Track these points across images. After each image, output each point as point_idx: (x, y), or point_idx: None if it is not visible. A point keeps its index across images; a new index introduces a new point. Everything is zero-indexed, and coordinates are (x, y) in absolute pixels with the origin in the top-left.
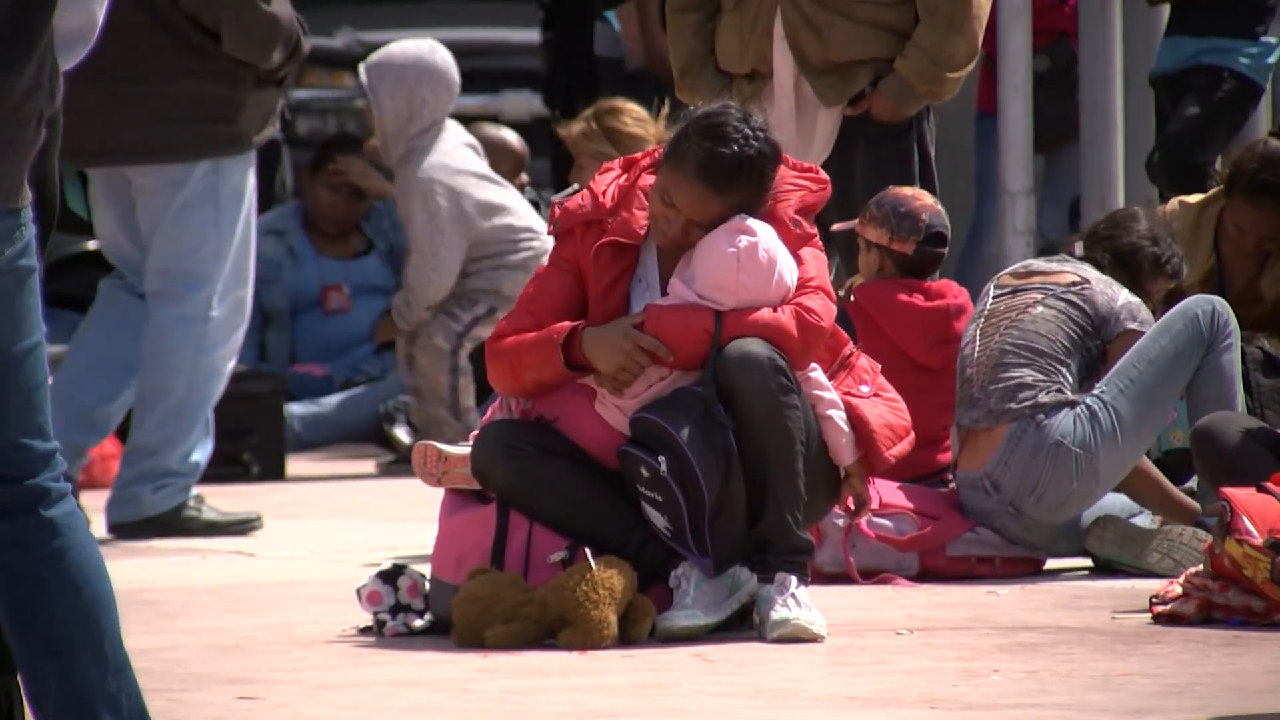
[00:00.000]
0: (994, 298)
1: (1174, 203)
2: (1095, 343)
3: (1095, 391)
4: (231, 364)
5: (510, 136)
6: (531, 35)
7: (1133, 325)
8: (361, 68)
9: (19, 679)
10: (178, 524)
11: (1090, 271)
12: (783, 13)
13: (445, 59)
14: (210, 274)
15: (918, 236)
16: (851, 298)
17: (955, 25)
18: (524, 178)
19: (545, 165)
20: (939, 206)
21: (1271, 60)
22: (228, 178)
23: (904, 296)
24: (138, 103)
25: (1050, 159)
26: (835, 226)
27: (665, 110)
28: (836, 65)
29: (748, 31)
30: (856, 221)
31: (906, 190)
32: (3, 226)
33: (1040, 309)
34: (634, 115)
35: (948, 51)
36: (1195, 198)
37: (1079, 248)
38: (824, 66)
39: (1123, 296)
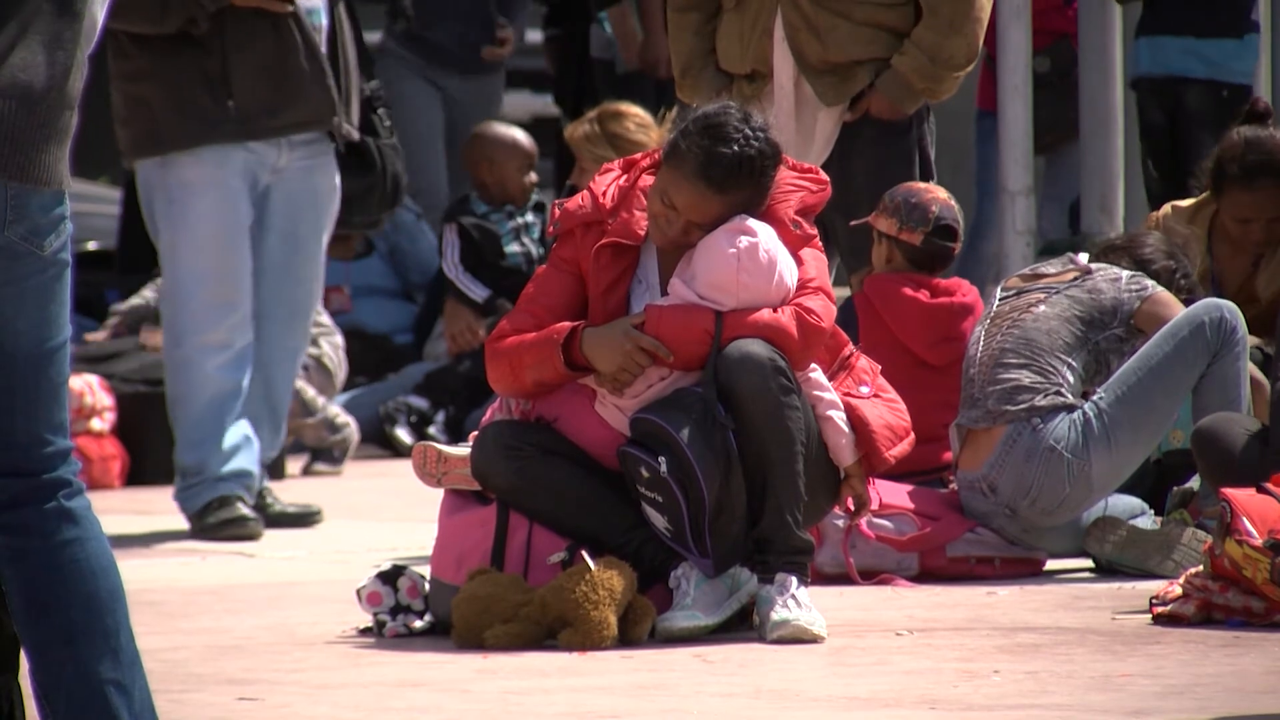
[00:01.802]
0: (1000, 300)
1: (1167, 207)
2: (1106, 333)
3: (1094, 397)
4: (218, 359)
5: (520, 135)
6: (532, 36)
7: (1148, 292)
8: None
9: (18, 679)
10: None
11: (1092, 265)
12: (783, 13)
13: None
14: (165, 266)
15: (926, 228)
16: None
17: (955, 26)
18: (533, 177)
19: (547, 165)
20: (952, 201)
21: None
22: (177, 171)
23: (909, 291)
24: (115, 105)
25: (1050, 159)
26: (852, 223)
27: (670, 114)
28: (836, 66)
29: (748, 32)
30: (873, 215)
31: (920, 184)
32: (54, 215)
33: (1043, 308)
34: (638, 120)
35: (946, 51)
36: (1187, 202)
37: (1083, 258)
38: (823, 67)
39: (1125, 273)
